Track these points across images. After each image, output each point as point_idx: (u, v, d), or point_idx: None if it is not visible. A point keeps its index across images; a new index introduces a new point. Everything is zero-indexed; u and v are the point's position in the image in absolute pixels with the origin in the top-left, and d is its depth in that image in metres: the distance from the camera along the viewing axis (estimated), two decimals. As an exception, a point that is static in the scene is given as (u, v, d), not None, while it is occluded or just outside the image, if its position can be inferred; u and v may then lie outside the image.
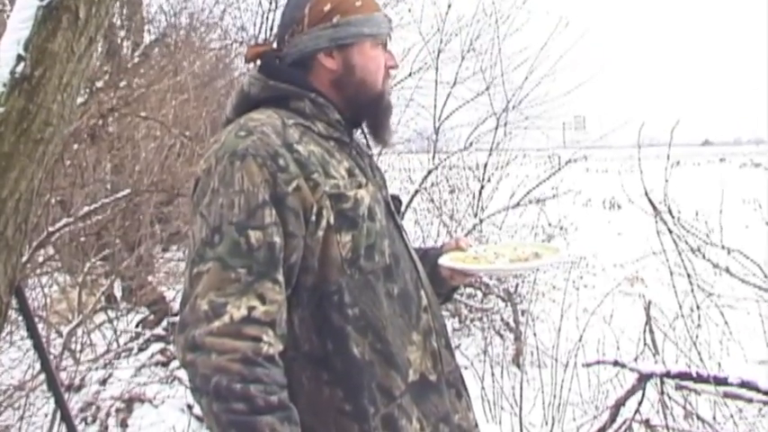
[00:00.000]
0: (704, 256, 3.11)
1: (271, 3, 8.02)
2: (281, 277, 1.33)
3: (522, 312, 5.88)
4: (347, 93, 1.53)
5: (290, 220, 1.35)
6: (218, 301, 1.27)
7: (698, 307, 3.69)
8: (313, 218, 1.37)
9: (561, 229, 6.26)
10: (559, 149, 6.94)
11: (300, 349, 1.39)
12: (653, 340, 4.02)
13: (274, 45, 1.59)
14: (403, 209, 5.81)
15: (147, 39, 7.22)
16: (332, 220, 1.39)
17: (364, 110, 1.56)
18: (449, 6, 6.10)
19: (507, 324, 6.10)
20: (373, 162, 1.64)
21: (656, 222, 3.29)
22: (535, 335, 5.17)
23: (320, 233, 1.38)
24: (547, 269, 5.69)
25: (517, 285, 6.06)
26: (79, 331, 4.32)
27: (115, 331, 4.94)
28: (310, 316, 1.39)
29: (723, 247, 3.16)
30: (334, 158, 1.46)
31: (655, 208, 3.27)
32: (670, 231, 3.31)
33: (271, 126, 1.41)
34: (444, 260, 1.64)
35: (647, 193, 3.11)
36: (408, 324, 1.47)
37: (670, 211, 3.19)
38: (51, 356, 3.38)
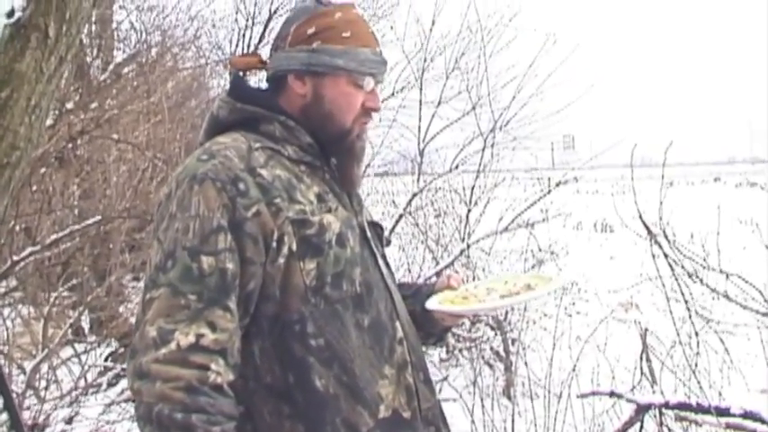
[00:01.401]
0: (701, 281, 3.13)
1: (247, 20, 8.07)
2: (233, 305, 1.33)
3: (513, 341, 5.86)
4: (313, 123, 1.53)
5: (247, 246, 1.36)
6: (166, 328, 1.28)
7: (696, 333, 3.70)
8: (274, 244, 1.38)
9: (552, 253, 6.27)
10: (548, 170, 6.98)
11: (262, 381, 1.39)
12: (650, 369, 4.02)
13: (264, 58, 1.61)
14: (387, 234, 5.83)
15: (119, 57, 7.22)
16: (294, 247, 1.39)
17: (329, 145, 1.55)
18: (432, 23, 6.15)
19: (497, 353, 6.08)
20: None
21: (651, 246, 3.31)
22: (526, 365, 5.14)
23: (281, 260, 1.38)
24: (543, 300, 5.70)
25: (507, 313, 6.06)
26: (44, 367, 4.25)
27: (83, 366, 4.86)
28: (272, 346, 1.39)
29: (721, 272, 3.18)
30: (302, 183, 1.47)
31: (649, 231, 3.29)
32: (666, 255, 3.33)
33: (235, 149, 1.42)
34: (432, 304, 1.63)
35: (641, 216, 3.14)
36: (380, 356, 1.46)
37: (665, 235, 3.21)
38: (14, 394, 3.31)
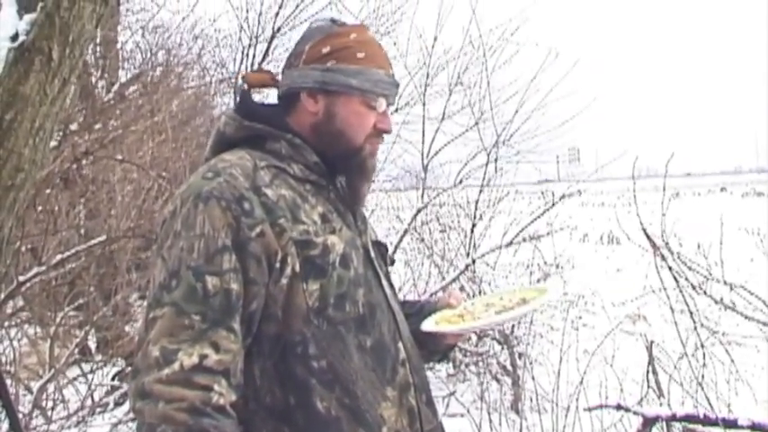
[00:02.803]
0: (705, 293, 3.12)
1: (251, 38, 8.12)
2: (237, 325, 1.33)
3: (520, 355, 5.85)
4: (324, 140, 1.54)
5: (251, 266, 1.36)
6: (169, 348, 1.28)
7: (702, 345, 3.69)
8: (277, 265, 1.38)
9: (557, 266, 6.26)
10: (553, 183, 6.98)
11: (262, 402, 1.39)
12: (657, 382, 4.01)
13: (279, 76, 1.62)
14: (392, 250, 5.82)
15: (123, 77, 7.27)
16: (297, 268, 1.39)
17: (338, 163, 1.55)
18: (435, 39, 6.17)
19: (504, 368, 6.06)
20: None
21: (655, 258, 3.31)
22: (533, 378, 5.13)
23: (284, 281, 1.38)
24: (542, 310, 5.68)
25: (513, 327, 6.04)
26: (50, 387, 4.26)
27: (89, 386, 4.85)
28: (273, 367, 1.39)
29: (725, 283, 3.18)
30: (307, 203, 1.47)
31: (653, 243, 3.30)
32: (670, 268, 3.33)
33: (240, 168, 1.43)
34: (427, 325, 1.64)
35: (644, 229, 3.14)
36: (382, 378, 1.46)
37: (668, 247, 3.21)
38: (20, 415, 3.32)
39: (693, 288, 3.18)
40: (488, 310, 1.66)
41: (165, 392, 1.25)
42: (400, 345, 1.52)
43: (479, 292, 6.01)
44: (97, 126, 4.18)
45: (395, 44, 6.98)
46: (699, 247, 5.19)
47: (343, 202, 1.57)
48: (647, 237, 3.28)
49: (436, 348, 1.74)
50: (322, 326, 1.40)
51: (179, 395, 1.25)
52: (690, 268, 3.22)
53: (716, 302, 3.17)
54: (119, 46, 7.54)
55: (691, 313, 3.42)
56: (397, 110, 7.06)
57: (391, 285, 1.64)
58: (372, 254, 1.57)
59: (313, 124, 1.54)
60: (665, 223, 3.20)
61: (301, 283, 1.39)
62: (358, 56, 1.54)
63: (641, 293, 4.11)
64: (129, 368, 5.65)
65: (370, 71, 1.54)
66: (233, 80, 8.62)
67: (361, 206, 1.62)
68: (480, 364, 6.18)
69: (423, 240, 6.62)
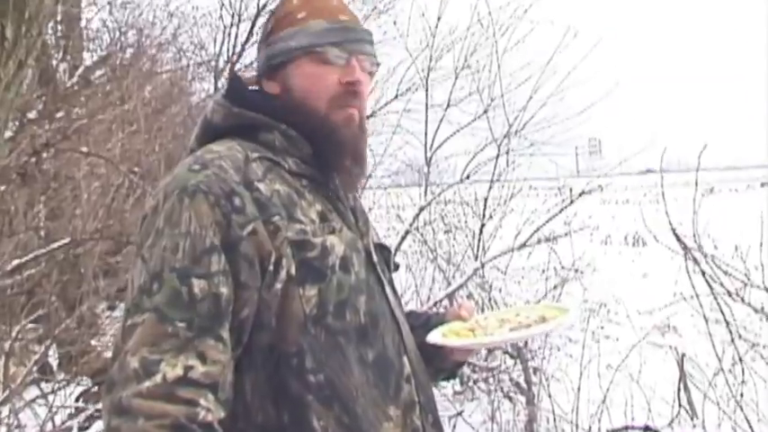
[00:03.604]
0: (743, 300, 3.11)
1: (233, 16, 8.11)
2: (226, 334, 1.33)
3: (535, 371, 5.84)
4: (291, 120, 1.53)
5: (242, 268, 1.35)
6: (151, 359, 1.27)
7: (741, 359, 3.68)
8: (271, 267, 1.38)
9: (576, 271, 6.25)
10: (572, 178, 6.96)
11: (253, 420, 1.38)
12: (689, 400, 4.01)
13: None
14: (392, 255, 5.80)
15: (88, 60, 7.25)
16: (293, 271, 1.39)
17: (312, 141, 1.53)
18: (439, 18, 6.16)
19: (517, 385, 6.05)
20: (358, 205, 1.65)
21: (686, 262, 3.30)
22: (550, 396, 5.14)
23: (279, 285, 1.38)
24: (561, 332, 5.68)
25: (527, 340, 6.04)
26: (4, 410, 4.24)
27: (50, 408, 4.84)
28: (266, 381, 1.38)
29: (766, 289, 3.17)
30: (304, 200, 1.47)
31: (683, 245, 3.29)
32: (703, 273, 3.31)
33: (230, 160, 1.42)
34: (434, 336, 1.64)
35: (673, 229, 3.13)
36: (384, 395, 1.46)
37: (701, 249, 3.20)
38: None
39: (729, 295, 3.17)
40: (503, 326, 1.65)
41: (146, 408, 1.24)
42: (405, 359, 1.52)
43: (489, 301, 6.01)
44: (59, 114, 4.18)
45: (395, 23, 7.00)
46: (736, 249, 5.18)
47: (343, 200, 1.57)
48: (677, 237, 3.26)
49: (443, 365, 1.74)
50: (320, 336, 1.40)
51: (161, 411, 1.24)
52: (725, 273, 3.20)
53: (755, 311, 3.16)
54: (83, 24, 7.52)
55: (727, 323, 3.41)
56: (397, 96, 7.07)
57: (395, 293, 1.64)
58: (375, 258, 1.57)
59: (280, 108, 1.54)
60: (697, 222, 3.19)
61: (297, 288, 1.39)
62: (298, 17, 1.54)
63: (671, 301, 4.09)
64: (96, 387, 5.66)
65: (309, 24, 1.53)
66: (213, 63, 8.62)
67: (354, 190, 1.61)
68: (491, 380, 6.17)
69: (426, 242, 6.61)
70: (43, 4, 2.26)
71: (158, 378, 1.25)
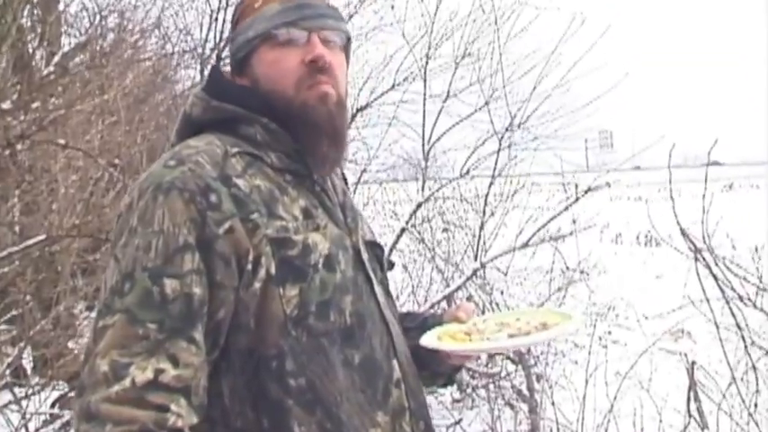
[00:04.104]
0: (755, 306, 3.14)
1: (220, 1, 8.11)
2: (199, 336, 1.35)
3: (538, 377, 5.87)
4: (265, 111, 1.55)
5: (217, 267, 1.37)
6: (120, 362, 1.29)
7: (754, 367, 3.70)
8: (249, 266, 1.40)
9: (582, 272, 6.26)
10: (581, 173, 6.96)
11: (231, 426, 1.40)
12: (699, 411, 4.03)
13: None
14: (387, 252, 5.83)
15: (66, 46, 7.25)
16: (273, 270, 1.41)
17: (288, 128, 1.55)
18: (437, 7, 6.13)
19: (519, 392, 6.08)
20: (348, 201, 1.67)
21: (696, 264, 3.33)
22: (553, 404, 5.15)
23: (257, 285, 1.40)
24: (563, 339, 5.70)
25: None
26: (-25, 416, 4.23)
27: (23, 414, 4.84)
28: (244, 385, 1.40)
29: (781, 293, 3.19)
30: (286, 195, 1.49)
31: (694, 246, 3.31)
32: (715, 277, 3.34)
33: (208, 155, 1.45)
34: (428, 339, 1.65)
35: (681, 228, 3.15)
36: (372, 401, 1.47)
37: (712, 250, 3.22)
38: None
39: (741, 299, 3.20)
40: (501, 330, 1.67)
41: (114, 413, 1.26)
42: (394, 362, 1.54)
43: (490, 303, 6.03)
44: (35, 105, 4.18)
45: (393, 8, 6.98)
46: (756, 250, 5.19)
47: (330, 195, 1.58)
48: (686, 237, 3.29)
49: (440, 369, 1.76)
50: (301, 338, 1.41)
51: (129, 416, 1.26)
52: (735, 275, 3.23)
53: (768, 316, 3.19)
54: (61, 8, 7.51)
55: (739, 329, 3.43)
56: (394, 86, 7.06)
57: (387, 293, 1.66)
58: (365, 256, 1.59)
59: (256, 100, 1.56)
60: (707, 222, 3.22)
61: (277, 288, 1.41)
62: (255, 6, 1.59)
63: (679, 305, 4.11)
64: (73, 393, 5.65)
65: (263, 10, 1.57)
66: (199, 50, 8.62)
67: (329, 172, 1.61)
68: (491, 387, 6.19)
69: (423, 241, 6.62)
70: (18, -12, 2.26)
71: (127, 382, 1.27)
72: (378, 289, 1.59)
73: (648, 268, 14.08)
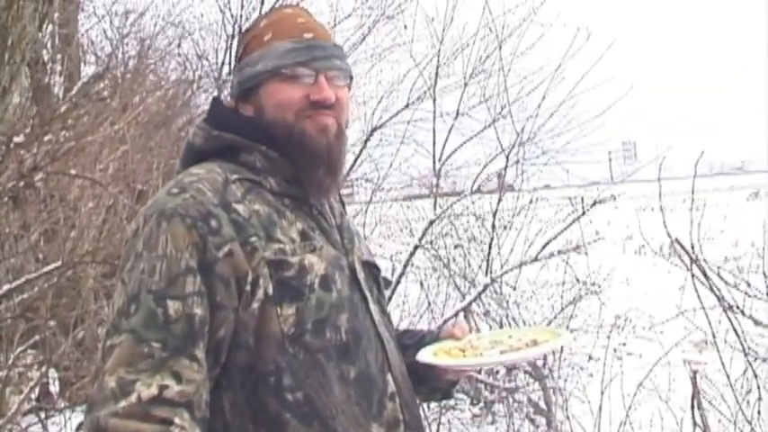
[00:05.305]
0: (743, 313, 3.18)
1: (233, 25, 8.25)
2: (201, 354, 1.43)
3: (554, 391, 5.87)
4: (267, 139, 1.63)
5: (218, 289, 1.46)
6: (127, 379, 1.38)
7: (755, 375, 3.71)
8: (248, 287, 1.48)
9: (593, 284, 6.24)
10: (605, 185, 6.93)
11: None
12: (703, 420, 4.04)
13: None
14: (401, 268, 5.87)
15: (84, 73, 7.36)
16: (270, 291, 1.49)
17: (286, 154, 1.63)
18: (445, 24, 6.17)
19: (537, 406, 6.09)
20: (345, 222, 1.75)
21: (692, 275, 3.37)
22: (569, 419, 5.16)
23: (256, 305, 1.48)
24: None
25: (546, 358, 6.06)
26: (0, 439, 4.30)
27: (48, 437, 4.92)
28: (244, 400, 1.48)
29: (770, 301, 3.22)
30: (284, 219, 1.58)
31: (690, 257, 3.35)
32: (711, 286, 3.37)
33: (209, 182, 1.54)
34: (425, 355, 1.72)
35: (674, 240, 3.19)
36: (367, 413, 1.54)
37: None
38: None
39: (730, 308, 3.24)
40: (495, 347, 1.74)
41: (121, 427, 1.35)
42: (389, 377, 1.61)
43: (507, 318, 6.05)
44: (47, 138, 4.29)
45: (405, 28, 7.06)
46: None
47: (327, 218, 1.66)
48: (683, 248, 3.33)
49: (437, 384, 1.82)
50: (298, 354, 1.49)
51: (135, 430, 1.35)
52: (726, 283, 3.27)
53: (756, 324, 3.21)
54: (81, 33, 7.63)
55: (737, 335, 3.46)
56: (408, 105, 7.12)
57: (383, 311, 1.73)
58: (361, 275, 1.66)
59: (256, 128, 1.64)
60: (698, 231, 3.26)
61: (275, 308, 1.48)
62: (264, 39, 1.66)
63: (674, 314, 4.13)
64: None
65: (273, 46, 1.64)
66: (216, 75, 8.76)
67: (325, 197, 1.69)
68: (509, 400, 6.19)
69: (439, 257, 6.64)
70: (26, 30, 2.35)
71: (133, 398, 1.36)
72: (373, 307, 1.66)
73: (672, 279, 13.88)
